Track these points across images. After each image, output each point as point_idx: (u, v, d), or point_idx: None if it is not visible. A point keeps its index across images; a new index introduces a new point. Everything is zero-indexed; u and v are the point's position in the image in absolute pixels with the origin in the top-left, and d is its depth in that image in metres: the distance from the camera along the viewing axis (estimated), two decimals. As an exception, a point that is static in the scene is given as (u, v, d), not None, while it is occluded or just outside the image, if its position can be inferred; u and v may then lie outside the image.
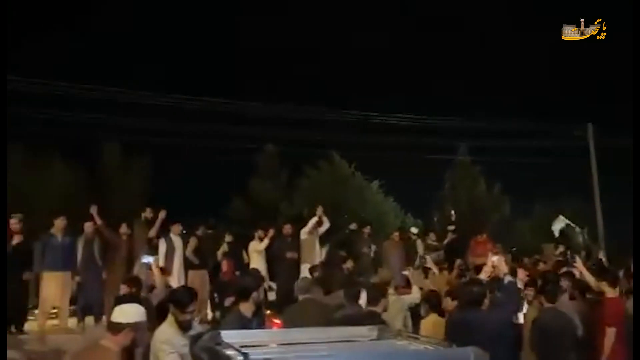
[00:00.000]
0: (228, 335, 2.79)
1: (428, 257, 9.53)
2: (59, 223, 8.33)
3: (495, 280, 5.24)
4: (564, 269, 7.46)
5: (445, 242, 11.35)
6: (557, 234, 13.80)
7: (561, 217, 14.19)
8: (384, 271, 7.76)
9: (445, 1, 28.18)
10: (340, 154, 24.01)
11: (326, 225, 10.12)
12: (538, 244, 14.97)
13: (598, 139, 20.43)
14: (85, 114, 17.41)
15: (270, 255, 10.02)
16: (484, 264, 6.79)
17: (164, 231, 9.25)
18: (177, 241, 9.23)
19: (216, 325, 6.44)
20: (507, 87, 27.17)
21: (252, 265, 9.55)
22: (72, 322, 8.55)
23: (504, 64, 28.33)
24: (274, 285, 9.84)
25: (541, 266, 9.84)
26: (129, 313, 3.49)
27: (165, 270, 7.83)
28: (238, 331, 3.19)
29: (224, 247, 9.95)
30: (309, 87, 28.50)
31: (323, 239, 10.27)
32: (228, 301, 6.50)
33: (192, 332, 4.02)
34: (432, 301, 5.86)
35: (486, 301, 4.61)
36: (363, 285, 5.46)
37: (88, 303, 8.58)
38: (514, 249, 15.50)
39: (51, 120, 16.88)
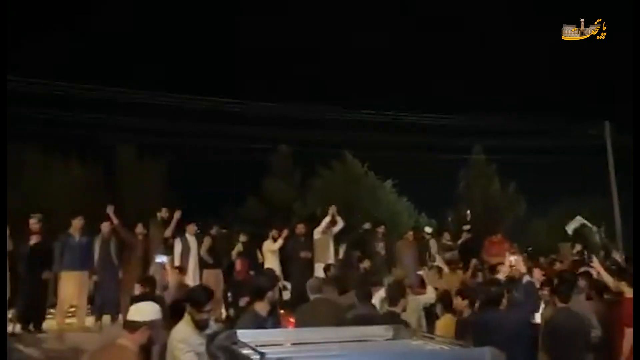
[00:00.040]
0: (244, 335, 2.80)
1: (438, 257, 9.50)
2: (77, 223, 8.44)
3: (513, 280, 5.21)
4: (581, 269, 7.37)
5: (460, 241, 11.28)
6: (570, 232, 13.62)
7: (579, 217, 13.97)
8: (397, 271, 7.75)
9: (445, 1, 28.03)
10: (353, 153, 24.01)
11: (340, 224, 10.13)
12: (554, 244, 14.79)
13: (615, 137, 20.16)
14: (100, 115, 17.61)
15: (284, 254, 10.06)
16: (499, 264, 6.75)
17: (179, 231, 9.34)
18: (192, 241, 9.30)
19: (230, 324, 6.48)
20: (514, 86, 26.97)
21: (266, 265, 9.60)
22: (90, 320, 8.66)
23: (504, 63, 28.14)
24: (288, 284, 9.87)
25: (557, 266, 9.73)
26: (145, 311, 3.52)
27: (181, 270, 7.92)
28: (254, 330, 3.20)
29: (239, 247, 10.02)
30: (314, 87, 28.52)
31: (337, 239, 10.28)
32: (243, 301, 6.54)
33: (208, 331, 4.05)
34: (446, 301, 5.84)
35: (504, 301, 4.58)
36: (382, 285, 5.44)
37: (105, 302, 8.68)
38: (530, 248, 15.35)
39: (67, 121, 17.07)
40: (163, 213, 9.42)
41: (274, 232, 10.18)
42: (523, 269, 5.17)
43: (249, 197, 24.00)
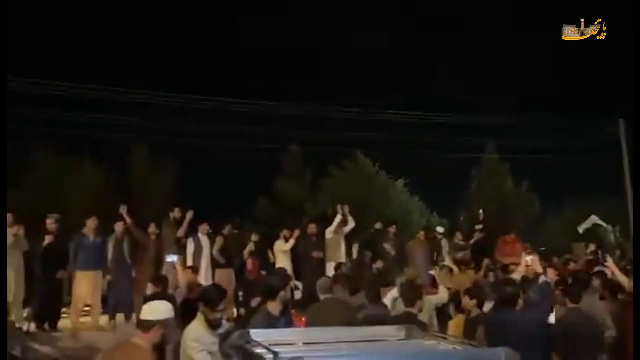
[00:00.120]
0: (256, 334, 2.81)
1: (447, 257, 9.45)
2: (91, 223, 8.54)
3: (528, 280, 5.17)
4: (595, 269, 7.29)
5: (472, 241, 11.21)
6: (581, 231, 13.47)
7: (593, 217, 13.81)
8: (409, 271, 7.72)
9: (445, 1, 27.83)
10: (364, 152, 23.98)
11: (351, 224, 10.12)
12: (568, 243, 14.63)
13: (630, 135, 19.89)
14: (114, 116, 17.77)
15: (295, 254, 10.07)
16: (512, 264, 6.70)
17: (191, 230, 9.40)
18: (205, 240, 9.35)
19: (241, 323, 6.51)
20: (513, 86, 26.75)
21: (277, 265, 9.61)
22: (104, 319, 8.74)
23: (504, 63, 27.93)
24: (299, 284, 9.89)
25: (572, 265, 9.64)
26: (158, 310, 3.55)
27: (193, 269, 7.96)
28: (266, 329, 3.21)
29: (250, 247, 10.05)
30: (319, 88, 28.47)
31: (348, 238, 10.27)
32: (254, 301, 6.55)
33: (220, 330, 4.07)
34: (457, 301, 5.81)
35: (520, 301, 4.55)
36: (394, 285, 5.40)
37: (118, 301, 8.76)
38: (543, 248, 15.20)
39: (82, 123, 17.25)
40: (175, 213, 9.48)
41: (285, 232, 10.19)
42: (539, 269, 5.13)
43: (260, 197, 24.08)
